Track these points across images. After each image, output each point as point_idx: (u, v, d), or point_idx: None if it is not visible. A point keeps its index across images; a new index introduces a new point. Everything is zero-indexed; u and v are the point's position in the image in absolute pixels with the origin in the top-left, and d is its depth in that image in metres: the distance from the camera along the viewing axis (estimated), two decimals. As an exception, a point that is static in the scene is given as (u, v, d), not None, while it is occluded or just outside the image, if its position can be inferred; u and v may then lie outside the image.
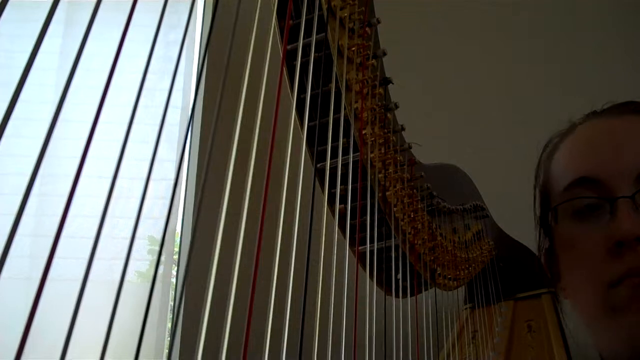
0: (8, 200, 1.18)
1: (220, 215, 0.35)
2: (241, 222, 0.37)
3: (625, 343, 0.51)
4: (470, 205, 0.93)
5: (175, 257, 1.30)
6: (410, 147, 0.70)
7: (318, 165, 0.52)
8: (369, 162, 0.62)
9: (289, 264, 0.40)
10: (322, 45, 0.55)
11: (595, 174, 0.55)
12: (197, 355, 0.32)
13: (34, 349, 1.03)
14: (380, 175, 0.65)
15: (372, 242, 0.60)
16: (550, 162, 0.63)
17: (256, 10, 0.43)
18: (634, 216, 0.51)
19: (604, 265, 0.52)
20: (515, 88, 1.54)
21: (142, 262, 1.24)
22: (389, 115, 0.66)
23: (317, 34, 0.54)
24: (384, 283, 0.68)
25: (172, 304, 1.23)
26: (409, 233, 0.71)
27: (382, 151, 0.65)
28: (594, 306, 0.54)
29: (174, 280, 1.25)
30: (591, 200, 0.55)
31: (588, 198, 0.55)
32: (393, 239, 0.67)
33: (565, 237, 0.58)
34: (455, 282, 0.84)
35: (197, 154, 1.32)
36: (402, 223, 0.69)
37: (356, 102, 0.60)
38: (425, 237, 0.75)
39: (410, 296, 0.72)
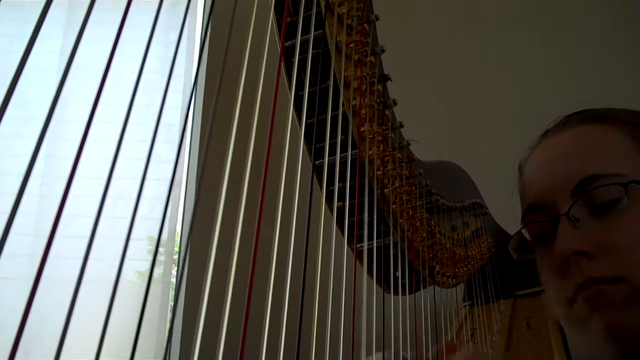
0: (8, 201, 1.18)
1: (218, 214, 0.35)
2: (238, 220, 0.37)
3: (599, 350, 0.51)
4: (469, 203, 0.93)
5: (175, 257, 1.30)
6: (408, 144, 0.70)
7: (316, 162, 0.52)
8: (367, 159, 0.62)
9: (286, 262, 0.39)
10: (320, 42, 0.55)
11: (539, 200, 0.56)
12: (193, 355, 0.32)
13: (34, 349, 1.03)
14: (378, 173, 0.65)
15: (370, 239, 0.60)
16: (521, 184, 0.63)
17: (253, 7, 0.43)
18: (572, 232, 0.51)
19: (559, 285, 0.53)
20: (515, 86, 1.53)
21: (142, 262, 1.24)
22: (387, 112, 0.66)
23: (315, 30, 0.53)
24: (383, 280, 0.68)
25: (172, 304, 1.23)
26: (408, 230, 0.71)
27: (381, 148, 0.65)
28: (565, 322, 0.55)
29: (173, 280, 1.26)
30: (537, 227, 0.56)
31: (533, 224, 0.57)
32: (392, 237, 0.67)
33: (535, 260, 0.59)
34: (454, 280, 0.84)
35: (196, 153, 1.32)
36: (400, 220, 0.69)
37: (354, 99, 0.60)
38: (424, 234, 0.75)
39: (409, 294, 0.72)
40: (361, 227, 0.59)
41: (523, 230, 0.60)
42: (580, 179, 0.53)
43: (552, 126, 0.62)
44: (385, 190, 0.66)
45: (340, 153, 0.53)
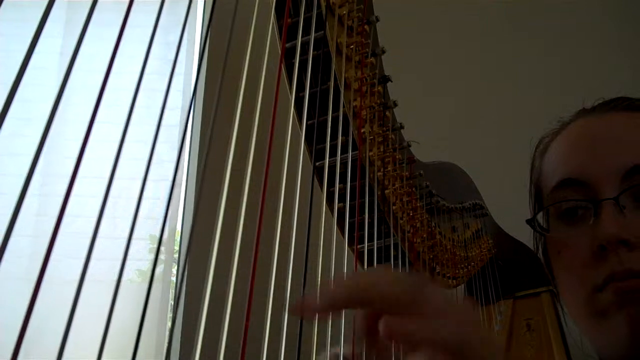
0: (8, 201, 1.18)
1: (219, 214, 0.35)
2: (239, 220, 0.37)
3: (614, 346, 0.50)
4: (470, 204, 0.93)
5: (176, 255, 1.30)
6: (409, 145, 0.70)
7: (317, 164, 0.52)
8: (367, 160, 0.62)
9: (287, 262, 0.40)
10: (321, 43, 0.55)
11: (580, 175, 0.54)
12: (195, 354, 0.32)
13: (34, 349, 1.03)
14: (379, 174, 0.65)
15: (371, 240, 0.60)
16: (542, 161, 0.61)
17: (254, 8, 0.43)
18: (618, 219, 0.50)
19: (588, 269, 0.51)
20: (515, 87, 1.54)
21: (143, 261, 1.24)
22: (387, 113, 0.66)
23: (315, 31, 0.54)
24: (383, 281, 0.68)
25: (172, 303, 1.23)
26: (408, 231, 0.71)
27: (381, 149, 0.65)
28: (582, 310, 0.53)
29: (174, 279, 1.26)
30: (575, 203, 0.54)
31: (571, 201, 0.54)
32: (392, 238, 0.67)
33: (554, 240, 0.57)
34: (454, 281, 0.84)
35: (197, 154, 1.32)
36: (401, 221, 0.69)
37: (355, 100, 0.60)
38: (424, 235, 0.75)
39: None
40: (362, 228, 0.59)
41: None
42: (634, 165, 0.51)
43: (593, 107, 0.60)
44: (386, 191, 0.66)
45: (341, 154, 0.53)
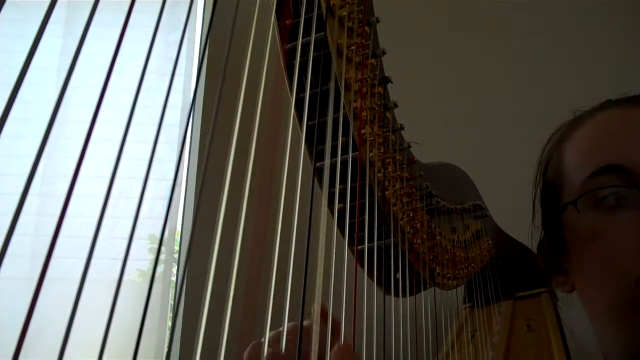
0: (9, 200, 1.18)
1: (219, 214, 0.35)
2: (240, 221, 0.37)
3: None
4: (470, 205, 0.93)
5: (176, 255, 1.30)
6: (409, 146, 0.70)
7: (317, 164, 0.52)
8: (368, 161, 0.62)
9: (287, 263, 0.40)
10: (321, 44, 0.55)
11: (623, 162, 0.52)
12: (195, 355, 0.32)
13: (35, 350, 1.03)
14: (379, 174, 0.65)
15: (371, 241, 0.60)
16: (562, 152, 0.60)
17: (255, 9, 0.43)
18: None
19: (633, 258, 0.49)
20: (515, 87, 1.54)
21: (143, 261, 1.24)
22: (388, 114, 0.66)
23: (316, 33, 0.54)
24: (383, 282, 0.68)
25: (173, 303, 1.23)
26: (408, 232, 0.71)
27: (382, 150, 0.65)
28: (615, 301, 0.51)
29: (174, 279, 1.26)
30: (620, 190, 0.52)
31: (615, 187, 0.52)
32: (392, 238, 0.67)
33: (586, 229, 0.54)
34: (454, 282, 0.84)
35: (197, 153, 1.32)
36: (401, 222, 0.69)
37: (355, 101, 0.60)
38: (425, 236, 0.75)
39: (410, 295, 0.72)
40: (362, 229, 0.59)
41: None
42: None
43: (621, 99, 0.59)
44: (386, 192, 0.66)
45: (341, 155, 0.53)
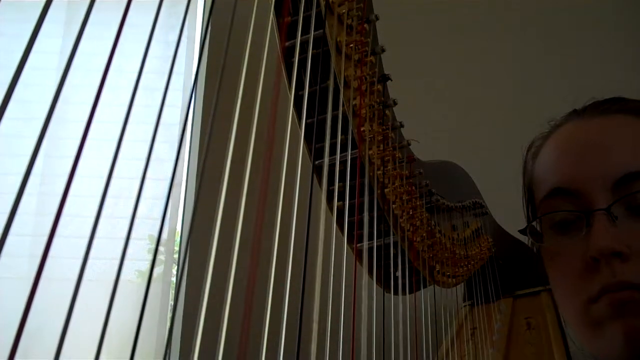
0: (8, 200, 1.18)
1: (218, 213, 0.35)
2: (238, 220, 0.37)
3: (610, 356, 0.49)
4: (469, 203, 0.93)
5: (176, 256, 1.30)
6: (409, 144, 0.70)
7: (316, 162, 0.52)
8: (367, 159, 0.62)
9: (286, 262, 0.39)
10: (321, 41, 0.55)
11: (570, 185, 0.53)
12: (193, 354, 0.32)
13: (33, 349, 1.03)
14: (378, 172, 0.65)
15: (370, 239, 0.60)
16: (534, 165, 0.60)
17: (254, 7, 0.43)
18: (611, 230, 0.49)
19: (581, 280, 0.50)
20: (515, 86, 1.53)
21: (143, 262, 1.24)
22: (387, 112, 0.66)
23: (315, 30, 0.53)
24: (383, 280, 0.68)
25: (172, 303, 1.23)
26: (408, 230, 0.71)
27: (381, 148, 0.65)
28: (577, 319, 0.52)
29: (174, 279, 1.26)
30: (566, 214, 0.52)
31: (562, 212, 0.53)
32: (392, 236, 0.67)
33: (548, 249, 0.56)
34: (454, 280, 0.84)
35: (196, 153, 1.32)
36: (400, 220, 0.69)
37: (354, 98, 0.60)
38: (424, 234, 0.75)
39: (409, 293, 0.72)
40: (361, 227, 0.59)
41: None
42: (625, 174, 0.50)
43: (584, 108, 0.58)
44: (386, 190, 0.66)
45: (341, 153, 0.53)
